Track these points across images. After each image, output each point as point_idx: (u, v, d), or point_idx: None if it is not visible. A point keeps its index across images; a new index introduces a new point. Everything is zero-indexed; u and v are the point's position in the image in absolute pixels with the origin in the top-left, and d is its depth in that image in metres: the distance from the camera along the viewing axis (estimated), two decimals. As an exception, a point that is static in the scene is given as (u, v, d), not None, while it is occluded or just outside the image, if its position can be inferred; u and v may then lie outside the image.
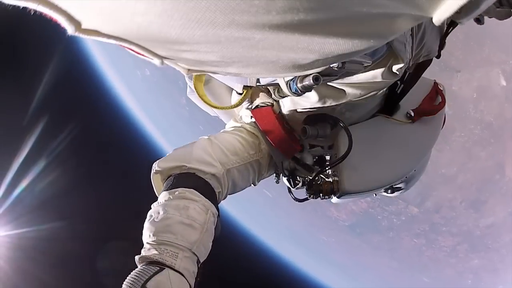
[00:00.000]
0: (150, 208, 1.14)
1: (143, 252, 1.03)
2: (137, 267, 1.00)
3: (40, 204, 7.75)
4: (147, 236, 1.06)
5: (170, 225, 1.05)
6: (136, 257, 1.03)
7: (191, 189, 1.15)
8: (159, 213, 1.08)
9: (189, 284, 1.00)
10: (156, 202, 1.15)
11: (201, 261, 1.09)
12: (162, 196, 1.15)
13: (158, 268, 0.95)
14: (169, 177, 1.24)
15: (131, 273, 0.95)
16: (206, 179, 1.23)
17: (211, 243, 1.14)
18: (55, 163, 7.92)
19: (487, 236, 6.17)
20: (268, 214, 11.63)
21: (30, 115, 7.71)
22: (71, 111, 9.20)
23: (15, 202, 7.28)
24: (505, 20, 1.37)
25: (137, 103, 12.24)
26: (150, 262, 0.99)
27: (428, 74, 1.52)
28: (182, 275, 0.98)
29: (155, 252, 1.00)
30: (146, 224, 1.08)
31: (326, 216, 8.91)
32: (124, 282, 0.93)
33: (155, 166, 1.25)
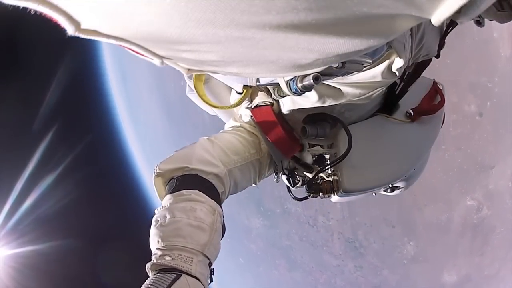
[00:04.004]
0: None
1: (154, 259, 0.98)
2: (147, 276, 0.95)
3: (44, 222, 7.65)
4: (155, 242, 1.01)
5: (179, 229, 1.01)
6: (148, 265, 0.98)
7: (196, 191, 1.13)
8: (165, 217, 1.04)
9: None
10: (160, 206, 1.11)
11: (212, 263, 1.06)
12: (167, 200, 1.11)
13: (175, 275, 0.91)
14: (171, 179, 1.21)
15: (146, 282, 0.90)
16: (209, 180, 1.21)
17: (220, 244, 1.11)
18: (58, 181, 7.84)
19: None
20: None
21: (35, 133, 7.67)
22: (77, 133, 9.16)
23: (19, 220, 7.19)
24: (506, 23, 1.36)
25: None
26: (163, 269, 0.95)
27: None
28: (198, 279, 0.95)
29: (169, 258, 0.95)
30: (153, 230, 1.04)
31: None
32: None
33: (156, 169, 1.22)
